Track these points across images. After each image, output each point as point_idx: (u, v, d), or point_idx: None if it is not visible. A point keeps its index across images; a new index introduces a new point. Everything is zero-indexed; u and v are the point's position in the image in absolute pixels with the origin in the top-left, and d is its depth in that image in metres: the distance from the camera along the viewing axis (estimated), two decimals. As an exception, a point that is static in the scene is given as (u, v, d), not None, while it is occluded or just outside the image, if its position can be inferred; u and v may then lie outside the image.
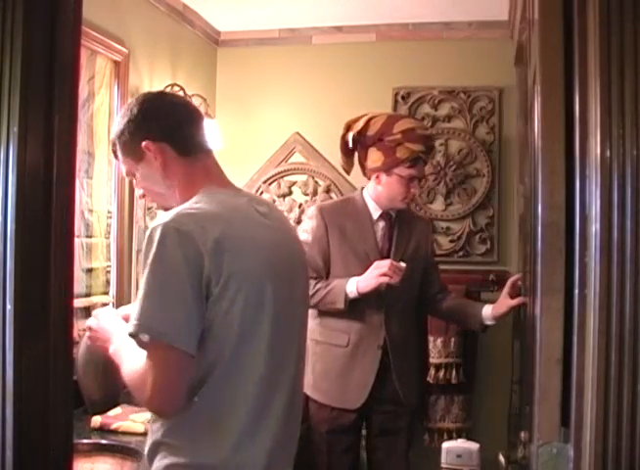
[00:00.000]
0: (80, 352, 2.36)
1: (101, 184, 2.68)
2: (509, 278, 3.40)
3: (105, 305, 2.64)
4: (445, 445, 3.04)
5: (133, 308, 1.32)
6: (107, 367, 2.38)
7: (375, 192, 2.52)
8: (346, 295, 2.37)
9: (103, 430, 2.16)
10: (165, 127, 1.47)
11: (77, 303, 2.45)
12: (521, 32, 2.69)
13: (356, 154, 2.64)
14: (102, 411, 2.28)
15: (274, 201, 3.64)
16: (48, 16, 0.96)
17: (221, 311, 1.32)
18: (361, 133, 2.54)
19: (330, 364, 2.47)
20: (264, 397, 1.41)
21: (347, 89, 3.63)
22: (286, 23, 3.66)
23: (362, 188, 2.60)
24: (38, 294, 0.95)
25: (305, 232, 2.53)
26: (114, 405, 2.36)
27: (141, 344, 1.31)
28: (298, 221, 3.60)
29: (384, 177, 2.48)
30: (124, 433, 2.14)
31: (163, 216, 1.34)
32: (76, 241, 2.48)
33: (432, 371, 3.14)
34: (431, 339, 3.07)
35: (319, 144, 3.68)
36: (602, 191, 0.94)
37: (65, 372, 1.00)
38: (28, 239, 0.93)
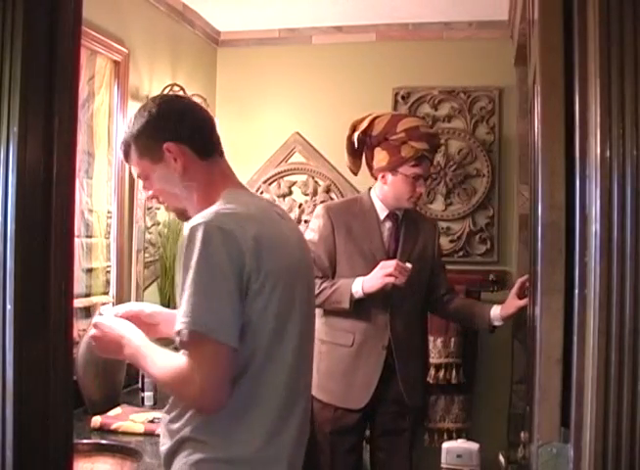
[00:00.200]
0: (80, 352, 2.36)
1: (101, 184, 2.68)
2: (509, 278, 3.42)
3: (103, 304, 2.64)
4: (445, 445, 3.04)
5: (182, 303, 1.33)
6: (107, 367, 2.39)
7: (381, 192, 2.53)
8: (352, 295, 2.37)
9: (103, 430, 2.16)
10: (185, 129, 1.49)
11: (77, 303, 2.45)
12: (521, 32, 2.69)
13: (364, 155, 2.64)
14: (102, 411, 2.28)
15: (274, 201, 3.64)
16: (48, 16, 0.96)
17: (259, 307, 1.37)
18: (366, 133, 2.54)
19: (334, 364, 2.47)
20: (292, 390, 1.47)
21: (347, 89, 3.63)
22: (286, 23, 3.66)
23: (369, 188, 2.59)
24: (38, 294, 0.95)
25: (312, 231, 2.53)
26: (115, 405, 2.36)
27: (184, 342, 1.33)
28: (298, 221, 3.61)
29: (389, 177, 2.49)
30: (124, 433, 2.14)
31: (202, 216, 1.36)
32: (76, 241, 2.48)
33: (432, 371, 3.14)
34: (431, 339, 3.07)
35: (319, 144, 3.68)
36: (602, 191, 0.94)
37: (65, 372, 1.00)
38: (28, 239, 0.93)
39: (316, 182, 3.69)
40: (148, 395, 2.50)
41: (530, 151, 1.75)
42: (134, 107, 2.90)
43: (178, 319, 1.33)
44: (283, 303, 1.42)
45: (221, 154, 1.56)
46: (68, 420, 1.03)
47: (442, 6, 3.31)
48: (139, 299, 2.92)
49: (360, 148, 2.60)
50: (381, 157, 2.51)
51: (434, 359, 3.17)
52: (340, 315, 2.45)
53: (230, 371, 1.35)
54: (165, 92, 3.10)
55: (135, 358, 1.48)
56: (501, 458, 1.98)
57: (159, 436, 2.09)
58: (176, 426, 1.45)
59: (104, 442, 2.08)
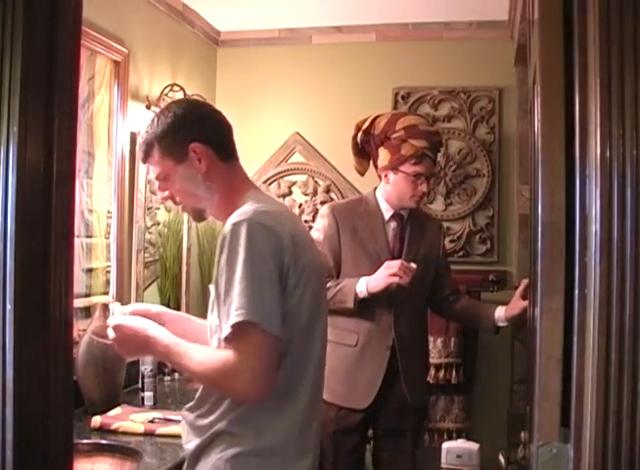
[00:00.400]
0: (80, 351, 2.36)
1: (101, 184, 2.68)
2: (509, 278, 3.42)
3: (105, 305, 2.63)
4: (445, 445, 3.04)
5: (231, 298, 1.37)
6: (107, 367, 2.38)
7: (385, 191, 2.53)
8: (356, 294, 2.37)
9: (103, 430, 2.16)
10: (209, 131, 1.56)
11: (77, 303, 2.45)
12: (521, 32, 2.69)
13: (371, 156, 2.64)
14: (102, 411, 2.28)
15: (274, 201, 3.64)
16: (48, 16, 0.96)
17: (295, 300, 1.45)
18: (369, 133, 2.55)
19: (338, 363, 2.47)
20: (318, 382, 1.56)
21: (347, 89, 3.63)
22: (286, 23, 3.66)
23: (375, 188, 2.59)
24: (38, 294, 0.94)
25: (317, 231, 2.53)
26: (115, 405, 2.36)
27: (235, 333, 1.37)
28: (298, 221, 3.60)
29: (391, 176, 2.49)
30: (124, 433, 2.14)
31: (241, 214, 1.42)
32: (76, 241, 2.48)
33: (432, 371, 3.14)
34: (431, 339, 3.07)
35: (319, 144, 3.68)
36: (602, 191, 0.94)
37: (65, 372, 1.00)
38: (28, 239, 0.93)
39: (316, 182, 3.69)
40: (148, 395, 2.50)
41: (530, 151, 1.75)
42: (134, 107, 2.90)
43: (231, 312, 1.36)
44: (313, 298, 1.50)
45: (237, 158, 1.63)
46: (68, 420, 1.03)
47: (442, 6, 3.31)
48: (139, 299, 2.92)
49: (365, 148, 2.60)
50: (383, 156, 2.52)
51: (433, 359, 3.17)
52: (344, 315, 2.44)
53: (275, 362, 1.40)
54: (165, 92, 3.11)
55: (167, 356, 1.51)
56: (501, 458, 1.97)
57: (158, 436, 2.11)
58: (207, 421, 1.48)
59: (104, 442, 2.08)
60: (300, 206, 3.68)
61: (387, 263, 2.35)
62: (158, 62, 3.14)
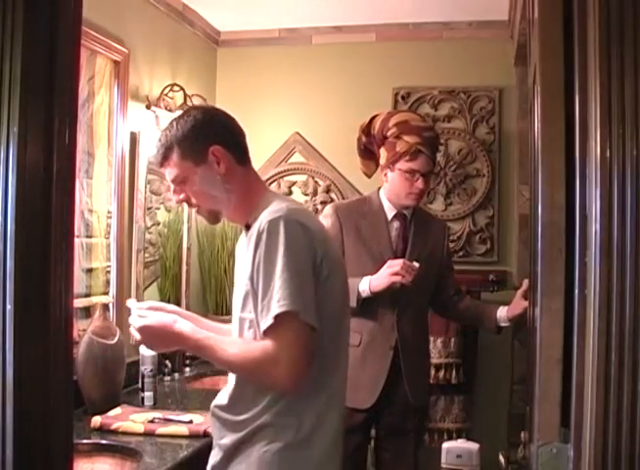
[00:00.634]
0: (80, 351, 2.36)
1: (101, 184, 2.68)
2: (509, 278, 3.42)
3: (105, 305, 2.63)
4: (445, 445, 3.04)
5: (272, 291, 1.43)
6: (107, 367, 2.38)
7: (386, 191, 2.53)
8: (359, 293, 2.36)
9: (103, 430, 2.16)
10: (228, 135, 1.63)
11: (77, 303, 2.45)
12: (521, 32, 2.69)
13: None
14: (102, 411, 2.28)
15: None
16: (48, 16, 0.96)
17: (327, 292, 1.52)
18: (369, 134, 2.55)
19: None
20: (345, 369, 1.64)
21: (347, 89, 3.63)
22: (286, 23, 3.66)
23: (379, 188, 2.59)
24: (38, 294, 0.94)
25: None
26: (114, 405, 2.36)
27: (277, 324, 1.43)
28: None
29: (389, 174, 2.49)
30: (124, 433, 2.14)
31: (275, 211, 1.50)
32: (76, 241, 2.48)
33: (432, 371, 3.14)
34: (431, 339, 3.06)
35: (319, 144, 3.68)
36: (602, 191, 0.94)
37: (65, 372, 1.00)
38: (28, 239, 0.93)
39: (316, 182, 3.69)
40: (148, 395, 2.49)
41: (530, 151, 1.75)
42: (134, 107, 2.90)
43: (273, 304, 1.43)
44: (341, 290, 1.61)
45: (251, 162, 1.70)
46: (68, 420, 1.03)
47: (442, 6, 3.31)
48: (139, 299, 2.91)
49: (370, 150, 2.61)
50: (383, 155, 2.53)
51: (434, 359, 3.16)
52: None
53: (312, 351, 1.46)
54: (165, 92, 3.11)
55: (199, 350, 1.56)
56: (501, 458, 1.98)
57: (159, 436, 2.11)
58: (245, 416, 1.53)
59: (104, 442, 2.08)
60: (300, 206, 3.67)
61: (389, 262, 2.35)
62: (158, 62, 3.14)
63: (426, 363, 2.64)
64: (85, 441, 2.08)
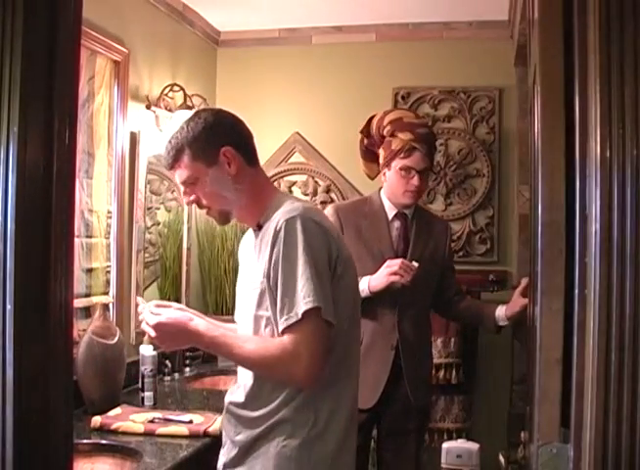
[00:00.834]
0: (80, 351, 2.36)
1: (101, 184, 2.68)
2: (509, 278, 3.42)
3: (105, 305, 2.63)
4: (445, 445, 3.04)
5: (295, 288, 1.47)
6: (107, 367, 2.38)
7: (385, 190, 2.53)
8: None
9: (103, 430, 2.16)
10: (238, 138, 1.66)
11: (77, 303, 2.45)
12: (521, 32, 2.69)
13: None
14: (102, 411, 2.28)
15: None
16: (48, 16, 0.96)
17: (342, 288, 1.56)
18: (369, 134, 2.56)
19: None
20: (357, 364, 1.68)
21: (347, 89, 3.63)
22: (286, 23, 3.66)
23: (380, 188, 2.59)
24: (38, 294, 0.94)
25: None
26: (114, 405, 2.36)
27: (299, 320, 1.46)
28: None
29: (387, 173, 2.50)
30: (124, 433, 2.14)
31: (291, 210, 1.53)
32: (76, 241, 2.48)
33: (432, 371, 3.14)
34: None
35: (319, 144, 3.68)
36: (602, 191, 0.94)
37: (65, 372, 1.00)
38: (28, 239, 0.93)
39: (316, 182, 3.69)
40: (148, 395, 2.50)
41: (530, 151, 1.75)
42: (134, 107, 2.90)
43: (298, 301, 1.46)
44: (354, 286, 1.67)
45: (259, 164, 1.72)
46: (68, 420, 1.03)
47: (442, 6, 3.31)
48: (139, 299, 2.91)
49: (372, 151, 2.61)
50: (381, 155, 2.53)
51: (434, 359, 3.17)
52: None
53: (329, 347, 1.51)
54: (165, 92, 3.11)
55: (214, 348, 1.60)
56: (501, 458, 1.98)
57: (158, 436, 2.11)
58: (262, 412, 1.56)
59: (104, 442, 2.08)
60: (300, 206, 3.67)
61: (387, 262, 2.35)
62: (158, 62, 3.14)
63: (427, 364, 2.63)
64: (85, 441, 2.08)
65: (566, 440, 1.15)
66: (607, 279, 0.93)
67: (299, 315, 1.46)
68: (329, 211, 2.56)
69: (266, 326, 1.57)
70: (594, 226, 0.95)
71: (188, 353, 3.15)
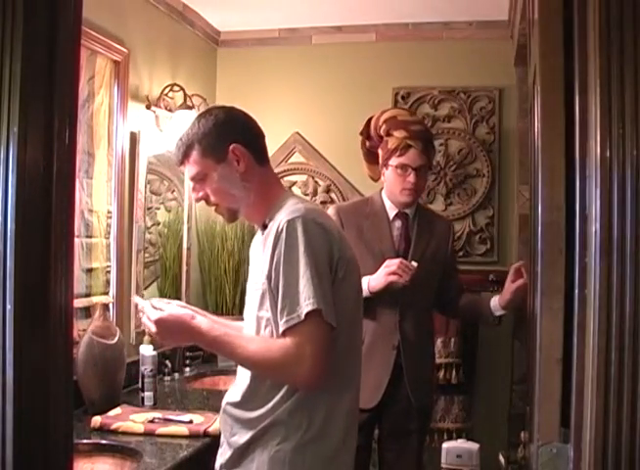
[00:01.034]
0: (80, 351, 2.36)
1: (101, 184, 2.68)
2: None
3: (105, 305, 2.63)
4: (445, 445, 3.04)
5: (296, 289, 1.46)
6: (107, 367, 2.38)
7: (384, 190, 2.54)
8: None
9: (103, 430, 2.16)
10: (248, 135, 1.66)
11: (77, 303, 2.45)
12: (521, 32, 2.69)
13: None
14: (102, 411, 2.28)
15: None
16: (48, 16, 0.96)
17: (344, 290, 1.56)
18: (369, 136, 2.57)
19: None
20: (360, 364, 1.67)
21: (347, 89, 3.63)
22: (286, 23, 3.66)
23: (381, 189, 2.59)
24: (38, 294, 0.94)
25: None
26: (114, 405, 2.36)
27: (301, 322, 1.46)
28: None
29: (385, 172, 2.50)
30: (124, 433, 2.14)
31: (293, 211, 1.53)
32: (76, 241, 2.48)
33: (432, 371, 3.14)
34: (431, 339, 3.07)
35: (319, 144, 3.68)
36: (602, 191, 0.94)
37: (65, 372, 1.00)
38: (28, 239, 0.93)
39: (316, 182, 3.69)
40: (148, 395, 2.50)
41: (530, 151, 1.75)
42: (134, 107, 2.90)
43: (299, 302, 1.46)
44: (357, 288, 1.65)
45: (269, 163, 1.73)
46: (68, 420, 1.03)
47: (442, 6, 3.31)
48: (139, 299, 2.91)
49: (374, 152, 2.61)
50: (380, 155, 2.53)
51: (434, 359, 3.17)
52: None
53: (330, 349, 1.50)
54: (165, 92, 3.11)
55: (216, 346, 1.59)
56: (501, 458, 1.98)
57: (158, 436, 2.11)
58: (258, 414, 1.55)
59: (104, 442, 2.08)
60: (300, 206, 3.67)
61: (386, 262, 2.35)
62: (158, 62, 3.14)
63: (429, 364, 2.61)
64: (85, 441, 2.08)
65: (566, 440, 1.15)
66: (607, 279, 0.93)
67: (302, 317, 1.46)
68: (330, 211, 2.55)
69: (266, 327, 1.57)
70: (594, 226, 0.95)
71: (188, 353, 3.15)
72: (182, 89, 3.16)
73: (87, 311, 2.57)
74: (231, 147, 1.61)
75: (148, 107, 3.00)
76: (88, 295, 2.59)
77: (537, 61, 1.39)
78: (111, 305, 2.73)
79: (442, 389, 3.22)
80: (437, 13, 3.42)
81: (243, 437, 1.56)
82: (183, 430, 2.14)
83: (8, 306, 0.91)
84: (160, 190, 3.19)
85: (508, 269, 3.39)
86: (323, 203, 3.59)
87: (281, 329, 1.49)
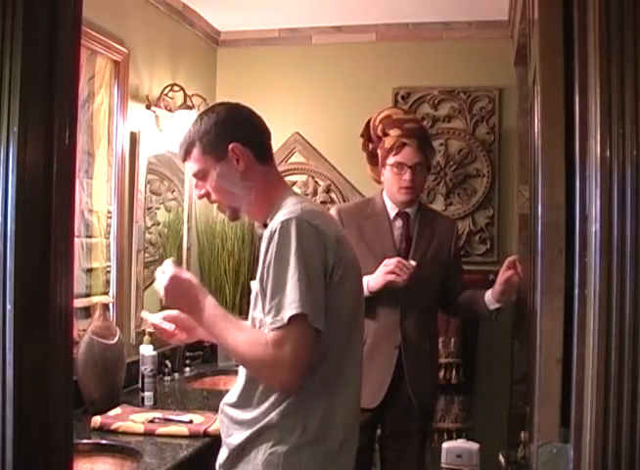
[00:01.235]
0: (80, 351, 2.36)
1: (101, 184, 2.68)
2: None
3: (105, 305, 2.63)
4: (445, 445, 3.04)
5: (283, 292, 1.44)
6: (107, 367, 2.38)
7: (384, 190, 2.54)
8: None
9: (103, 430, 2.16)
10: (249, 133, 1.65)
11: (77, 303, 2.45)
12: (521, 32, 2.69)
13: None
14: (102, 411, 2.28)
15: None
16: (48, 15, 0.96)
17: (339, 295, 1.52)
18: (369, 137, 2.59)
19: None
20: (360, 369, 1.64)
21: (347, 89, 3.63)
22: (286, 23, 3.66)
23: (382, 189, 2.59)
24: (38, 294, 0.94)
25: None
26: (114, 405, 2.36)
27: (285, 325, 1.43)
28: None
29: (383, 172, 2.51)
30: (124, 433, 2.14)
31: (289, 212, 1.50)
32: (76, 241, 2.48)
33: (432, 371, 3.14)
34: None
35: (319, 144, 3.68)
36: (602, 191, 0.94)
37: (65, 372, 1.00)
38: (28, 239, 0.93)
39: (316, 182, 3.69)
40: (148, 395, 2.50)
41: (530, 151, 1.75)
42: (134, 107, 2.90)
43: (284, 305, 1.43)
44: (354, 293, 1.60)
45: (274, 161, 1.71)
46: (68, 420, 1.03)
47: (442, 6, 3.31)
48: (139, 299, 2.91)
49: (377, 154, 2.61)
50: (379, 155, 2.54)
51: (434, 359, 3.17)
52: None
53: (315, 354, 1.47)
54: (165, 92, 3.11)
55: (212, 327, 1.55)
56: (501, 458, 1.98)
57: (158, 436, 2.11)
58: (253, 415, 1.54)
59: (104, 442, 2.08)
60: (300, 206, 3.67)
61: (385, 261, 2.35)
62: (158, 62, 3.14)
63: (431, 364, 2.60)
64: (85, 441, 2.08)
65: (566, 440, 1.15)
66: (607, 279, 0.93)
67: (285, 320, 1.43)
68: (331, 212, 2.55)
69: (260, 328, 1.55)
70: (594, 226, 0.95)
71: (188, 353, 3.15)
72: (182, 89, 3.16)
73: (87, 311, 2.57)
74: (231, 146, 1.60)
75: (148, 107, 3.00)
76: (88, 295, 2.59)
77: (537, 61, 1.39)
78: (111, 305, 2.73)
79: (442, 389, 3.21)
80: (437, 13, 3.42)
81: (238, 438, 1.56)
82: (183, 430, 2.14)
83: (8, 306, 0.91)
84: (160, 190, 3.19)
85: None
86: (323, 203, 3.59)
87: (266, 330, 1.47)
